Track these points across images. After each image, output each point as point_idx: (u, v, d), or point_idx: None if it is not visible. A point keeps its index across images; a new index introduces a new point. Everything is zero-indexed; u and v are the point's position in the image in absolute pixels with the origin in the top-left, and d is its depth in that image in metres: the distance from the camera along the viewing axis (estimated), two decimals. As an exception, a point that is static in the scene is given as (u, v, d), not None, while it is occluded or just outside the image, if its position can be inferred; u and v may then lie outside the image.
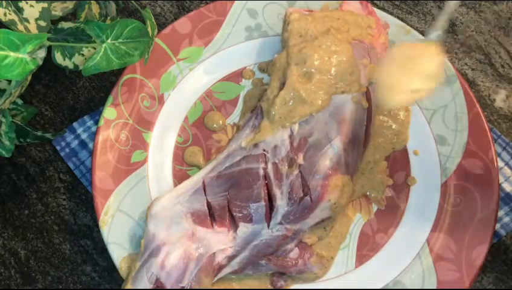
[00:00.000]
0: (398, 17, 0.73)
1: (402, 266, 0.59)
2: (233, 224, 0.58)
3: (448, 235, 0.60)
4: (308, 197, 0.56)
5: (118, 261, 0.57)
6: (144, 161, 0.63)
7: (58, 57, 0.58)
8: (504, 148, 0.66)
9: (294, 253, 0.58)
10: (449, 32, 0.74)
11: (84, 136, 0.67)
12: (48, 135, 0.62)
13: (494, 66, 0.72)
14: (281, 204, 0.56)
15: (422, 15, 0.75)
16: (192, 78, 0.68)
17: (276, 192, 0.56)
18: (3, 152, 0.54)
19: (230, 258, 0.57)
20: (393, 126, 0.65)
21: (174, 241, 0.56)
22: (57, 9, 0.59)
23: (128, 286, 0.54)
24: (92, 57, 0.54)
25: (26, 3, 0.56)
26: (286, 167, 0.57)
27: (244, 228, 0.57)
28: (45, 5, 0.57)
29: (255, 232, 0.57)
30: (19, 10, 0.55)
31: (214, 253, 0.56)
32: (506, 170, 0.65)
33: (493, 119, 0.69)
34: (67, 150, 0.66)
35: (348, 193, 0.57)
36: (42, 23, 0.56)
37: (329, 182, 0.55)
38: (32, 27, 0.56)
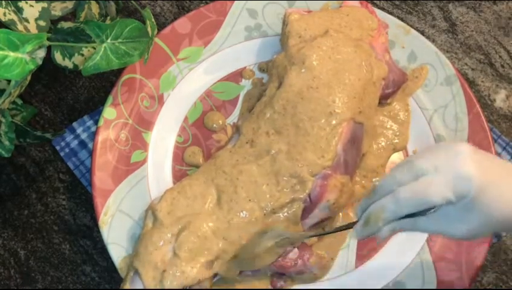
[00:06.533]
0: (398, 17, 0.73)
1: (402, 266, 0.59)
2: (233, 224, 0.57)
3: (448, 236, 0.60)
4: (307, 198, 0.55)
5: (118, 261, 0.57)
6: (143, 161, 0.63)
7: (58, 57, 0.58)
8: (504, 148, 0.66)
9: (294, 253, 0.58)
10: (449, 32, 0.74)
11: (83, 136, 0.67)
12: (48, 135, 0.61)
13: (494, 66, 0.72)
14: (281, 204, 0.56)
15: (422, 15, 0.75)
16: (192, 78, 0.68)
17: (276, 192, 0.56)
18: (3, 152, 0.54)
19: (230, 258, 0.57)
20: (394, 126, 0.65)
21: (173, 242, 0.55)
22: (57, 9, 0.59)
23: (127, 286, 0.54)
24: (91, 57, 0.54)
25: (26, 3, 0.55)
26: (286, 167, 0.57)
27: (243, 228, 0.57)
28: (45, 5, 0.57)
29: (254, 232, 0.57)
30: (19, 10, 0.55)
31: (213, 253, 0.56)
32: (506, 170, 0.65)
33: (493, 119, 0.69)
34: (66, 150, 0.66)
35: (347, 193, 0.57)
36: (42, 23, 0.56)
37: (329, 182, 0.55)
38: (32, 27, 0.56)
